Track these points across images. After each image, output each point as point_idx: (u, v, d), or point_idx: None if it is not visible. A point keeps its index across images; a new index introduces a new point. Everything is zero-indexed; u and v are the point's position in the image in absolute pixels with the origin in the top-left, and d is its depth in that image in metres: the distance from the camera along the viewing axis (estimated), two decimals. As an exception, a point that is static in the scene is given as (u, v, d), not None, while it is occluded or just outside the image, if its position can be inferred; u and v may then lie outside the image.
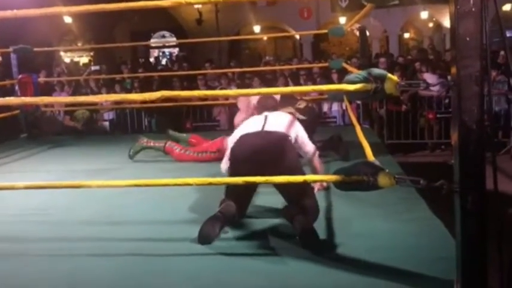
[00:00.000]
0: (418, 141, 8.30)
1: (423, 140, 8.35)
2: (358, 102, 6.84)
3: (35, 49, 6.74)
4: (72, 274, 2.42)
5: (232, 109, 7.89)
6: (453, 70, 1.98)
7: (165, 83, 9.17)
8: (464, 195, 1.94)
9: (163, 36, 20.17)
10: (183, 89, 8.62)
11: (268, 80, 8.79)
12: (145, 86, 9.14)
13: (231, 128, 6.20)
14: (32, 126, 6.67)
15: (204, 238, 2.67)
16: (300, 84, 8.99)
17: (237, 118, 4.41)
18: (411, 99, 8.19)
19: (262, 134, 3.05)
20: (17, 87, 6.32)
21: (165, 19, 17.22)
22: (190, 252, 2.59)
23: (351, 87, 2.15)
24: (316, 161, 3.41)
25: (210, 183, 2.74)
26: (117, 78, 9.84)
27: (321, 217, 3.00)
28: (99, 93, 9.05)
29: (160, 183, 2.66)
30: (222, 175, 3.18)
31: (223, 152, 3.55)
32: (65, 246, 2.78)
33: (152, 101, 4.83)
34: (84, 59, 19.43)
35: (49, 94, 9.02)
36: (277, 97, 3.64)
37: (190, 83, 9.33)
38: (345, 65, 6.48)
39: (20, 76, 6.31)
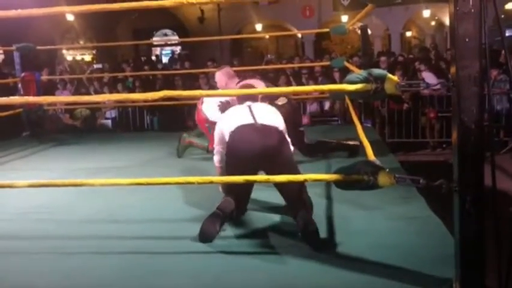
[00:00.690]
0: (420, 140, 8.30)
1: (424, 139, 8.35)
2: (360, 101, 6.85)
3: (38, 47, 6.77)
4: (74, 272, 2.45)
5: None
6: (452, 70, 2.00)
7: (167, 82, 9.19)
8: (463, 195, 1.96)
9: (166, 35, 20.17)
10: (185, 87, 8.62)
11: (270, 78, 8.80)
12: (148, 84, 9.16)
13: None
14: (34, 125, 6.70)
15: (205, 236, 2.70)
16: (302, 83, 9.01)
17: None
18: (413, 98, 8.19)
19: (259, 128, 3.02)
20: (20, 85, 6.35)
21: (167, 17, 17.22)
22: (192, 251, 2.61)
23: (352, 87, 2.17)
24: None
25: (212, 182, 2.76)
26: (120, 77, 9.86)
27: (321, 215, 3.02)
28: (102, 91, 9.08)
29: (162, 182, 2.68)
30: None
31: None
32: (67, 245, 2.81)
33: (154, 100, 4.84)
34: (86, 57, 19.45)
35: (52, 92, 9.07)
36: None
37: (193, 82, 9.34)
38: (346, 63, 6.49)
39: (23, 74, 6.34)
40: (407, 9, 16.90)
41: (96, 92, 9.12)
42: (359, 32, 6.07)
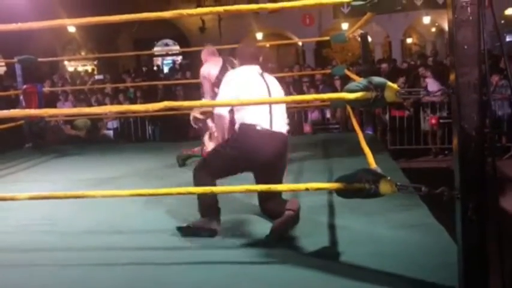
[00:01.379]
0: (422, 146, 8.29)
1: (426, 146, 8.34)
2: (361, 109, 6.85)
3: (39, 59, 6.81)
4: (77, 284, 2.44)
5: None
6: (452, 77, 2.00)
7: (169, 91, 9.21)
8: (464, 202, 1.95)
9: (167, 45, 20.26)
10: (186, 97, 8.64)
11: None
12: (149, 94, 9.18)
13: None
14: (36, 136, 6.71)
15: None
16: (303, 91, 9.02)
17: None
18: (414, 104, 8.20)
19: (274, 136, 3.05)
20: (21, 97, 6.38)
21: (168, 27, 17.31)
22: (195, 261, 2.61)
23: (352, 95, 2.17)
24: None
25: (212, 192, 2.76)
26: (121, 88, 9.89)
27: (323, 224, 3.02)
28: (103, 102, 9.11)
29: (164, 193, 2.67)
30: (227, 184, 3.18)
31: None
32: (69, 256, 2.80)
33: (155, 110, 4.85)
34: (87, 68, 19.53)
35: (53, 103, 9.10)
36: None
37: (194, 91, 9.37)
38: (347, 71, 6.50)
39: (24, 86, 6.36)
40: (407, 16, 16.94)
41: (98, 103, 9.15)
42: (359, 39, 6.08)
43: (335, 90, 7.64)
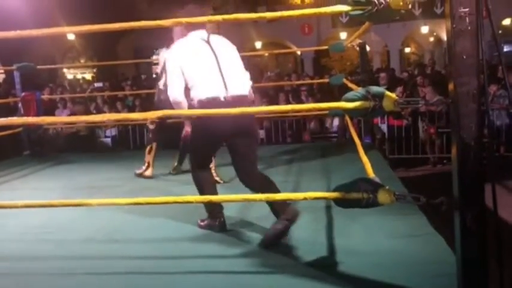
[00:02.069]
0: (420, 155, 8.29)
1: (425, 155, 8.34)
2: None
3: (38, 67, 6.81)
4: (73, 293, 2.42)
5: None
6: (450, 87, 2.00)
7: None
8: (463, 212, 1.95)
9: (166, 53, 20.31)
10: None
11: (270, 95, 8.83)
12: (148, 103, 9.18)
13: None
14: (34, 144, 6.70)
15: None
16: (301, 100, 9.04)
17: None
18: (412, 113, 8.21)
19: (231, 103, 2.94)
20: (20, 105, 6.37)
21: (168, 36, 17.38)
22: (194, 270, 2.59)
23: (350, 105, 2.17)
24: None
25: (211, 201, 2.75)
26: (119, 96, 9.90)
27: (321, 233, 3.01)
28: (102, 110, 9.11)
29: (161, 201, 2.67)
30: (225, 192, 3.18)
31: None
32: (67, 265, 2.78)
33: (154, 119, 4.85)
34: (87, 76, 19.56)
35: (52, 111, 9.09)
36: None
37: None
38: (345, 80, 6.51)
39: (23, 94, 6.35)
40: (405, 25, 17.06)
41: (97, 110, 9.15)
42: (358, 48, 6.10)
43: (334, 99, 7.64)
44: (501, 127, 7.85)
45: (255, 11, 15.07)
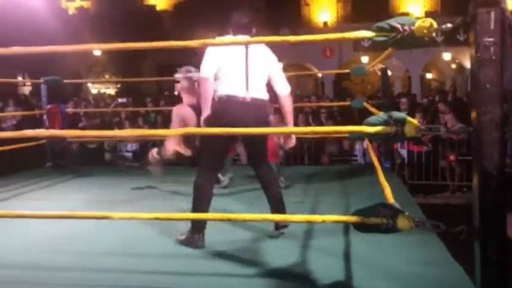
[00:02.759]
0: (440, 182, 8.19)
1: (444, 182, 8.24)
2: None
3: (65, 81, 6.97)
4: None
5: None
6: (473, 115, 2.00)
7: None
8: (484, 242, 1.93)
9: (189, 71, 20.57)
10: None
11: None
12: (169, 119, 9.29)
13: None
14: (57, 156, 6.81)
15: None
16: (321, 122, 9.05)
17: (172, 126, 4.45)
18: (433, 140, 8.14)
19: (250, 104, 3.21)
20: (45, 117, 6.50)
21: (191, 54, 17.59)
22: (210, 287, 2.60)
23: (371, 129, 2.19)
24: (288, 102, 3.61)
25: (229, 219, 2.76)
26: (142, 112, 10.05)
27: (339, 258, 2.99)
28: (124, 125, 9.24)
29: (181, 217, 2.69)
30: (241, 210, 3.19)
31: None
32: (85, 277, 2.81)
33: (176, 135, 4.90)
34: (110, 91, 19.90)
35: (76, 124, 9.25)
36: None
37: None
38: (366, 104, 6.51)
39: (48, 106, 6.50)
40: (427, 51, 17.02)
41: (119, 126, 9.28)
42: (379, 72, 6.11)
43: (353, 122, 7.63)
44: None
45: (278, 33, 15.21)
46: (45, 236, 3.56)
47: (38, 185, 5.67)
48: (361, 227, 2.24)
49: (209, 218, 2.52)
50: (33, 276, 2.83)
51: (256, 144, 3.41)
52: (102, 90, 20.00)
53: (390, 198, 2.65)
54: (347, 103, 8.04)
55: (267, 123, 3.34)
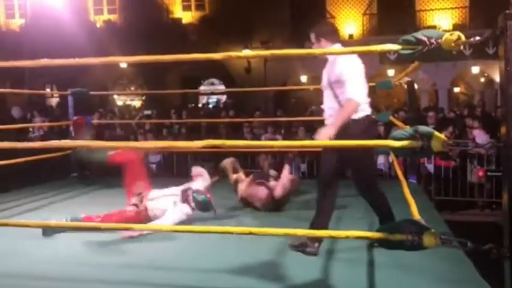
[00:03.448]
0: (468, 199, 8.00)
1: (473, 198, 8.04)
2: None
3: (91, 92, 7.09)
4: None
5: (277, 157, 7.93)
6: (503, 130, 1.94)
7: (212, 129, 9.37)
8: (514, 262, 1.86)
9: (213, 84, 20.75)
10: (228, 135, 8.76)
11: (315, 129, 8.80)
12: (193, 131, 9.36)
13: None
14: (82, 167, 6.90)
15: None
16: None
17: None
18: (461, 155, 7.97)
19: (372, 123, 3.53)
20: (71, 128, 6.61)
21: (214, 67, 17.75)
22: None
23: (397, 143, 2.14)
24: None
25: (251, 233, 2.73)
26: (166, 124, 10.15)
27: (363, 276, 2.93)
28: (148, 137, 9.33)
29: (201, 230, 2.68)
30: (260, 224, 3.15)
31: None
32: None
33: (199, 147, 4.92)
34: (135, 103, 20.18)
35: (102, 135, 9.38)
36: None
37: (236, 130, 9.50)
38: (392, 118, 6.42)
39: (75, 117, 6.60)
40: (455, 65, 16.75)
41: (143, 137, 9.38)
42: (405, 86, 6.03)
43: (378, 137, 7.54)
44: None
45: (302, 46, 15.22)
46: (67, 247, 3.59)
47: (63, 196, 5.75)
48: (385, 244, 2.18)
49: (230, 231, 2.50)
50: (39, 286, 2.84)
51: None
52: (128, 102, 20.30)
53: (416, 215, 2.58)
54: (372, 117, 7.96)
55: None
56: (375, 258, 3.21)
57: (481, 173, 7.84)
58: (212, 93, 20.66)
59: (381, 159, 8.68)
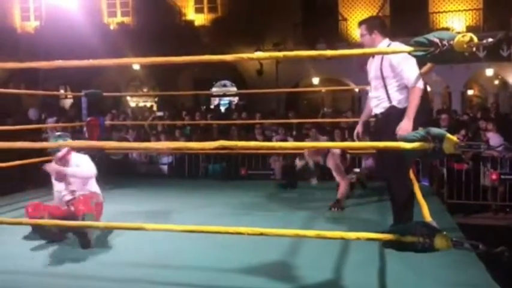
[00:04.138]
0: (481, 202, 7.91)
1: (486, 201, 7.95)
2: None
3: (104, 94, 7.16)
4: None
5: (287, 159, 7.93)
6: (517, 133, 1.93)
7: (224, 131, 9.39)
8: (527, 265, 1.84)
9: (225, 85, 20.80)
10: (240, 137, 8.78)
11: (326, 131, 8.79)
12: (205, 132, 9.38)
13: (284, 178, 6.38)
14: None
15: None
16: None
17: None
18: (474, 157, 7.90)
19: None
20: (85, 129, 6.68)
21: (226, 69, 17.81)
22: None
23: (408, 145, 2.14)
24: None
25: (262, 234, 2.74)
26: (178, 125, 10.19)
27: (373, 279, 2.92)
28: (160, 138, 9.38)
29: (213, 230, 2.69)
30: (273, 224, 3.16)
31: None
32: (116, 286, 2.84)
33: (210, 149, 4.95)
34: (148, 104, 20.29)
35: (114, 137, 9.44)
36: None
37: (247, 131, 9.51)
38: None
39: (88, 118, 6.67)
40: (468, 67, 16.60)
41: (156, 138, 9.42)
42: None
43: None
44: None
45: (314, 48, 15.20)
46: (78, 246, 3.62)
47: (76, 195, 5.79)
48: (396, 245, 2.18)
49: (241, 232, 2.51)
50: (66, 285, 2.88)
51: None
52: (141, 104, 20.42)
53: (427, 217, 2.57)
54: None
55: None
56: (386, 260, 3.20)
57: (494, 176, 7.75)
58: (224, 94, 20.71)
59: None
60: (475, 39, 2.05)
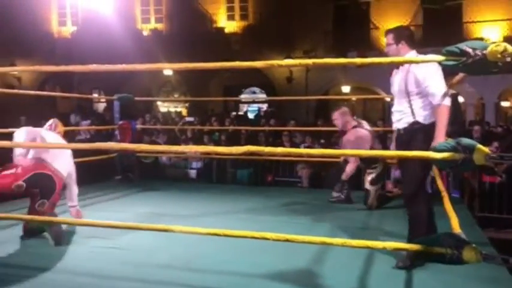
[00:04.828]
0: (514, 216, 7.69)
1: (519, 216, 7.73)
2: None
3: (136, 98, 7.30)
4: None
5: (315, 167, 7.90)
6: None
7: (252, 137, 9.43)
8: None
9: (254, 92, 20.88)
10: (268, 144, 8.79)
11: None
12: (233, 138, 9.43)
13: (311, 186, 6.41)
14: (126, 170, 7.09)
15: None
16: (387, 147, 8.82)
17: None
18: (507, 170, 7.70)
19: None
20: (117, 132, 6.82)
21: (257, 76, 17.87)
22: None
23: (438, 155, 2.11)
24: None
25: (287, 240, 2.74)
26: (206, 130, 10.29)
27: (400, 286, 2.88)
28: (189, 143, 9.48)
29: (238, 235, 2.71)
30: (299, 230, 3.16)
31: None
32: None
33: (238, 154, 4.98)
34: (179, 109, 20.54)
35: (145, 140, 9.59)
36: None
37: (275, 138, 9.53)
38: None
39: (120, 122, 6.81)
40: (503, 78, 16.22)
41: (185, 143, 9.53)
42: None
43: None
44: None
45: (345, 56, 15.12)
46: (108, 245, 3.70)
47: (106, 197, 5.92)
48: (424, 256, 2.16)
49: (267, 237, 2.52)
50: (93, 284, 2.94)
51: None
52: (171, 109, 20.68)
53: (456, 228, 2.53)
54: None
55: None
56: (413, 273, 3.15)
57: (528, 190, 7.53)
58: (253, 101, 20.79)
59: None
60: (510, 49, 2.02)
